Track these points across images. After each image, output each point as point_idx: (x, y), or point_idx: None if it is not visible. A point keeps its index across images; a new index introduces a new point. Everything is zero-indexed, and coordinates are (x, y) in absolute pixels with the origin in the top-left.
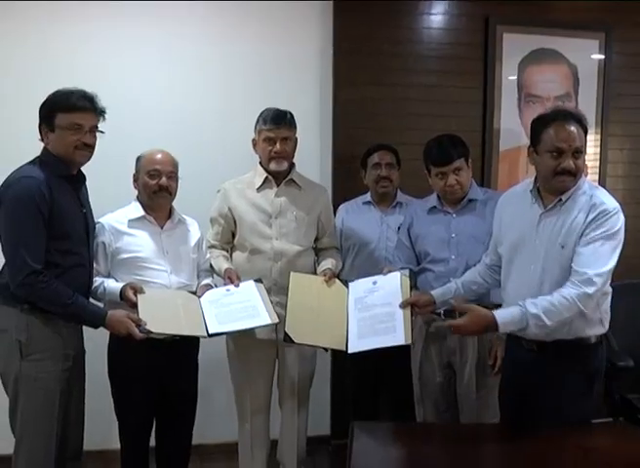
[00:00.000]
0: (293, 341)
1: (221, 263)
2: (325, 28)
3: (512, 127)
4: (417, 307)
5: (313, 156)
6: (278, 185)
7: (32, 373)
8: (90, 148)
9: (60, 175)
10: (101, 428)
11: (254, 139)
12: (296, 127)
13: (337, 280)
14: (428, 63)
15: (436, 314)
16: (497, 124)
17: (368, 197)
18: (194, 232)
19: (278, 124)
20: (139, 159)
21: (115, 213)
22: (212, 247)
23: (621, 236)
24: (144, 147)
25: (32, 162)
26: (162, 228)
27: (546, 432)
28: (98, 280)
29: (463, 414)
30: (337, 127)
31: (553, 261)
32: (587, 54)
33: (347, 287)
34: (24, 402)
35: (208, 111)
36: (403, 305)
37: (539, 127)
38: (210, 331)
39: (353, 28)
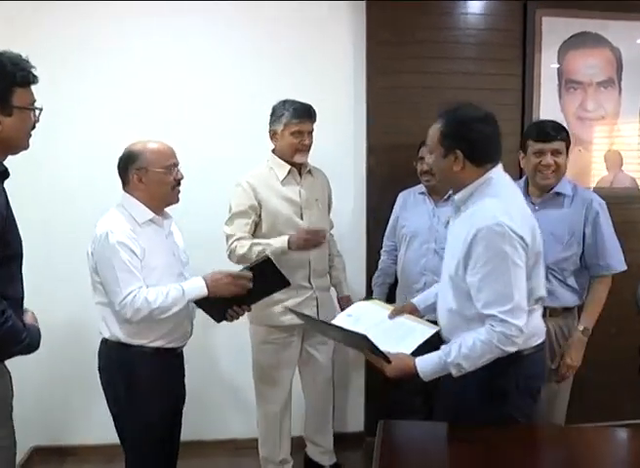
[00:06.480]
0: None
1: (269, 240)
2: (358, 16)
3: (553, 114)
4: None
5: (348, 146)
6: (300, 176)
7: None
8: None
9: None
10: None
11: (272, 131)
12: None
13: None
14: (465, 50)
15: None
16: (536, 112)
17: (423, 187)
18: (174, 226)
19: (308, 117)
20: (139, 154)
21: (116, 222)
22: (240, 239)
23: (511, 255)
24: None
25: None
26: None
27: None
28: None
29: None
30: (370, 116)
31: None
32: (632, 37)
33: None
34: None
35: (235, 104)
36: (391, 315)
37: None
38: None
39: (387, 15)
